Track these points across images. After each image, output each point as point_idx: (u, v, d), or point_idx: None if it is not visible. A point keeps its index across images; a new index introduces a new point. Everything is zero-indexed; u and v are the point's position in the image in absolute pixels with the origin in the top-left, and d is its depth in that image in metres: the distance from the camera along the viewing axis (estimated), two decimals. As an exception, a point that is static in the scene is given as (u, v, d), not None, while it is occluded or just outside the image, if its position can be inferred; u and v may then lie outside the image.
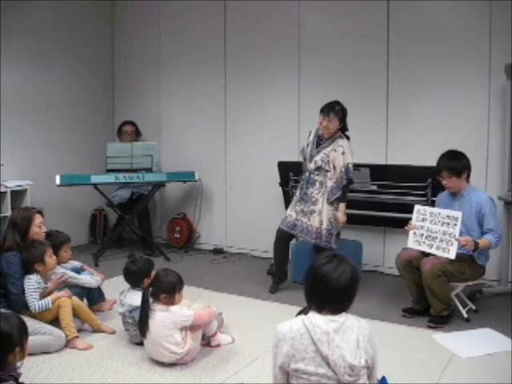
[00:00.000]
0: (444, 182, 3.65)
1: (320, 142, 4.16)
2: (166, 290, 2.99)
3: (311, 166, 4.13)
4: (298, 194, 4.26)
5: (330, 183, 4.09)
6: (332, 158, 4.07)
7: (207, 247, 5.84)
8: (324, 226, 4.10)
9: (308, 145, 4.22)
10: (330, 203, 4.10)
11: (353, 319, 2.02)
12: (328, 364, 1.92)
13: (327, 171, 4.09)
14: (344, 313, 2.02)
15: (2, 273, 3.22)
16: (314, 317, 1.98)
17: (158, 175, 5.40)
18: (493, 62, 4.28)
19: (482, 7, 4.29)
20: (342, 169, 4.05)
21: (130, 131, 5.81)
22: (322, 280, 1.99)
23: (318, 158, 4.10)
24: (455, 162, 3.58)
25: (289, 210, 4.31)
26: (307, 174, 4.18)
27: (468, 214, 3.57)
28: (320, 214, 4.10)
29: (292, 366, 1.96)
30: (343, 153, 4.05)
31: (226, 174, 5.68)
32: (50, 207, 5.41)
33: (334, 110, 4.03)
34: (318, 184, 4.11)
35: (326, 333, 1.93)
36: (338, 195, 4.09)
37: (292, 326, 1.99)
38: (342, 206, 4.15)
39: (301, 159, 4.40)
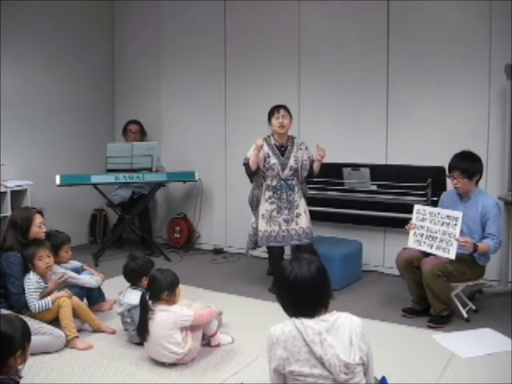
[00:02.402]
0: (454, 182, 3.62)
1: (281, 148, 4.25)
2: (167, 287, 2.99)
3: (286, 172, 4.22)
4: (270, 207, 4.20)
5: (300, 180, 4.31)
6: (301, 157, 4.26)
7: (207, 247, 5.83)
8: (309, 224, 4.26)
9: (266, 158, 4.21)
10: (305, 199, 4.32)
11: (344, 317, 2.01)
12: (323, 364, 1.92)
13: (298, 173, 4.28)
14: (335, 311, 2.03)
15: (1, 273, 3.22)
16: (305, 318, 1.98)
17: (157, 175, 5.40)
18: (493, 62, 4.28)
19: (482, 7, 4.28)
20: (305, 161, 4.27)
21: (134, 129, 5.81)
22: (305, 287, 1.98)
23: (291, 162, 4.23)
24: (470, 164, 3.56)
25: (264, 226, 4.21)
26: (282, 182, 4.22)
27: (473, 216, 3.56)
28: (305, 213, 4.26)
29: (287, 368, 1.96)
30: (306, 148, 4.31)
31: (226, 173, 5.68)
32: (50, 207, 5.41)
33: (285, 106, 4.26)
34: (296, 188, 4.25)
35: (318, 333, 1.93)
36: (306, 188, 4.39)
37: (284, 328, 1.99)
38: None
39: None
